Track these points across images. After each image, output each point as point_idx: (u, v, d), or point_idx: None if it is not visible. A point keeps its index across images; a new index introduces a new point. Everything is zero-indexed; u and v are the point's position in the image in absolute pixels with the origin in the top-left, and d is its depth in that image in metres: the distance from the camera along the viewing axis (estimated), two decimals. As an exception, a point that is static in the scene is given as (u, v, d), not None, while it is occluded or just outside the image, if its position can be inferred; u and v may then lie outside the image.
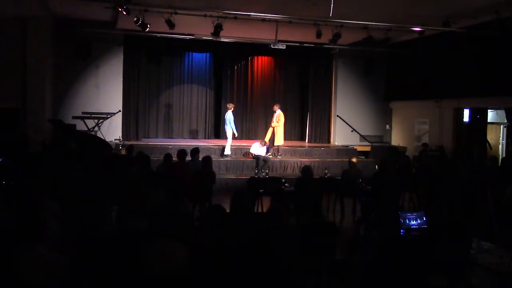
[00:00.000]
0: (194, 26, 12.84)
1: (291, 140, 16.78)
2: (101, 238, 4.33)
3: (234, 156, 13.64)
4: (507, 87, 11.56)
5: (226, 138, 13.67)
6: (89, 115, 13.96)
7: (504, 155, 14.18)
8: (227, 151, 13.54)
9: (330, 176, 10.73)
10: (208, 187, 8.60)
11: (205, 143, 14.64)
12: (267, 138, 13.88)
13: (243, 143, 15.20)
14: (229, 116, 13.45)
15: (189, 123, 16.71)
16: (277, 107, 14.13)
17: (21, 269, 3.53)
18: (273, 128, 13.91)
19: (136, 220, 4.75)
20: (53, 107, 13.96)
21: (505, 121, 14.05)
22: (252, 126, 17.18)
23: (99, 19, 13.75)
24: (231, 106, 13.68)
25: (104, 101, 14.57)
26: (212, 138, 16.52)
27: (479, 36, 11.60)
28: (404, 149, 15.70)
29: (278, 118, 13.86)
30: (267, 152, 13.50)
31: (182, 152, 8.96)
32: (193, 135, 16.70)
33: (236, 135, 13.71)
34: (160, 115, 16.34)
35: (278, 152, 14.00)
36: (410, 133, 16.10)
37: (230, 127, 13.37)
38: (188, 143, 14.34)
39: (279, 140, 13.89)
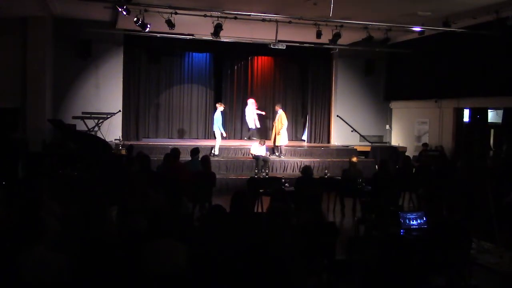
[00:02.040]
0: (194, 26, 12.84)
1: (291, 140, 16.79)
2: (101, 238, 4.32)
3: (222, 156, 13.59)
4: (507, 87, 11.56)
5: (215, 137, 13.57)
6: (89, 115, 13.96)
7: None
8: (216, 151, 13.46)
9: (330, 176, 10.74)
10: (208, 187, 8.59)
11: (205, 143, 14.63)
12: (272, 140, 13.94)
13: (243, 143, 15.23)
14: (217, 115, 13.36)
15: (189, 123, 16.71)
16: (278, 107, 14.17)
17: (21, 268, 3.53)
18: (276, 128, 13.94)
19: (136, 220, 4.75)
20: (53, 107, 13.95)
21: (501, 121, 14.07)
22: (252, 126, 17.17)
23: (99, 19, 13.76)
24: (220, 105, 13.57)
25: (104, 101, 14.55)
26: (212, 138, 16.47)
27: (479, 36, 11.60)
28: (404, 149, 15.71)
29: (281, 119, 13.89)
30: (273, 152, 13.55)
31: (175, 151, 8.94)
32: (193, 135, 16.69)
33: (225, 135, 13.64)
34: (160, 115, 16.33)
35: (280, 151, 14.01)
36: (410, 133, 16.09)
37: (217, 127, 13.28)
38: (188, 143, 14.36)
39: (282, 140, 13.91)
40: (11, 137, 11.28)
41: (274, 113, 14.37)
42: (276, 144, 13.96)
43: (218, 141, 13.51)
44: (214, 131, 13.55)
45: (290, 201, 6.68)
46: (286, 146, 14.18)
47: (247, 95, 17.03)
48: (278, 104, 14.65)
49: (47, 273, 3.57)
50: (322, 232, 5.39)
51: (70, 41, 14.13)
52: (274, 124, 14.19)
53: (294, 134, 17.54)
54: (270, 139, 14.40)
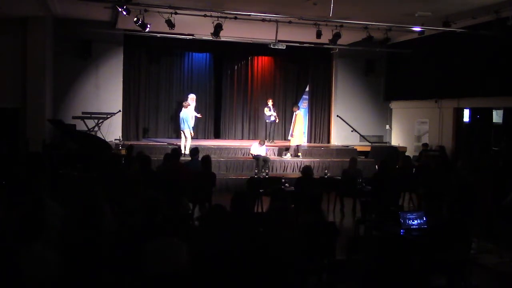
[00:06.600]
0: (194, 26, 12.84)
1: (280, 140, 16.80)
2: (101, 238, 4.32)
3: (222, 156, 13.55)
4: (507, 87, 11.56)
5: (183, 137, 13.11)
6: (89, 115, 13.96)
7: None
8: (187, 151, 12.84)
9: (330, 176, 10.73)
10: (208, 187, 8.59)
11: (205, 143, 14.63)
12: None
13: (243, 143, 15.23)
14: (185, 115, 13.09)
15: (189, 123, 16.68)
16: (295, 109, 14.42)
17: (20, 268, 3.53)
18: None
19: (136, 220, 4.75)
20: (53, 107, 13.95)
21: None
22: (252, 126, 17.16)
23: (99, 19, 13.76)
24: (186, 104, 13.28)
25: (104, 101, 14.55)
26: (212, 138, 16.52)
27: (479, 36, 11.60)
28: (404, 149, 15.70)
29: (295, 120, 14.06)
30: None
31: (175, 151, 8.92)
32: (193, 135, 16.65)
33: (192, 135, 13.34)
34: (160, 115, 16.31)
35: (290, 152, 14.10)
36: (410, 133, 16.10)
37: (187, 126, 13.04)
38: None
39: (294, 141, 14.02)
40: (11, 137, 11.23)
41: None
42: (290, 144, 14.16)
43: (189, 141, 13.11)
44: (183, 131, 13.10)
45: (290, 201, 6.67)
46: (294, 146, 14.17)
47: (247, 95, 17.04)
48: (295, 106, 14.93)
49: (46, 273, 3.57)
50: (322, 232, 5.39)
51: (70, 41, 14.12)
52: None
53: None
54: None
